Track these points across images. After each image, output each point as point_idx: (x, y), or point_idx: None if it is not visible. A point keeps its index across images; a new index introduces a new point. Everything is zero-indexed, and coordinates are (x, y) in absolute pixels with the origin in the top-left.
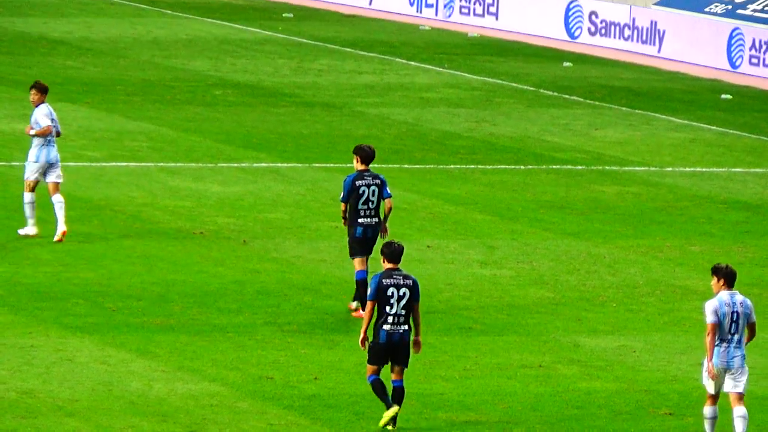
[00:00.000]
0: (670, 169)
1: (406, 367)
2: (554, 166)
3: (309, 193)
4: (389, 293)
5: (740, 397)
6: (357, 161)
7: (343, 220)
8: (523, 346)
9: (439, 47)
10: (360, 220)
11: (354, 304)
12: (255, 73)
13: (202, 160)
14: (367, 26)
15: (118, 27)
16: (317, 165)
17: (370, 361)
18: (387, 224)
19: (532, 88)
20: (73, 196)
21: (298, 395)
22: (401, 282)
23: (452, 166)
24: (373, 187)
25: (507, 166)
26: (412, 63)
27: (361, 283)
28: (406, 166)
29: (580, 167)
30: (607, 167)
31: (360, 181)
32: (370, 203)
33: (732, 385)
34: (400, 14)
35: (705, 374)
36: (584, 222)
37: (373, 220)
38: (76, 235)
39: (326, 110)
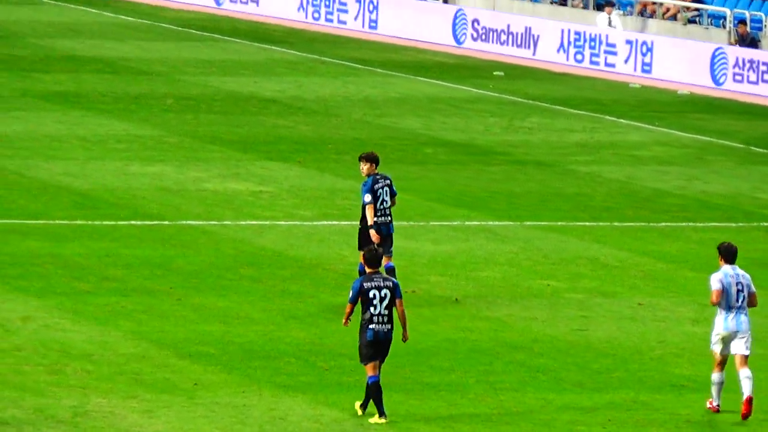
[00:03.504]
0: None
1: (383, 362)
2: (765, 224)
3: (521, 251)
4: (371, 295)
5: (746, 358)
6: (370, 166)
7: (361, 221)
8: (736, 404)
9: (649, 105)
10: (376, 219)
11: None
12: (466, 131)
13: (414, 219)
14: (578, 84)
15: (329, 86)
16: (529, 223)
17: (363, 361)
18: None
19: (742, 146)
20: (285, 255)
21: None
22: (382, 284)
23: (663, 224)
24: (385, 188)
25: (718, 224)
26: (623, 121)
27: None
28: (617, 224)
29: None
30: None
31: (377, 185)
32: (384, 203)
33: (739, 348)
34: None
35: (713, 341)
36: None
37: (388, 218)
38: (288, 294)
39: (538, 168)
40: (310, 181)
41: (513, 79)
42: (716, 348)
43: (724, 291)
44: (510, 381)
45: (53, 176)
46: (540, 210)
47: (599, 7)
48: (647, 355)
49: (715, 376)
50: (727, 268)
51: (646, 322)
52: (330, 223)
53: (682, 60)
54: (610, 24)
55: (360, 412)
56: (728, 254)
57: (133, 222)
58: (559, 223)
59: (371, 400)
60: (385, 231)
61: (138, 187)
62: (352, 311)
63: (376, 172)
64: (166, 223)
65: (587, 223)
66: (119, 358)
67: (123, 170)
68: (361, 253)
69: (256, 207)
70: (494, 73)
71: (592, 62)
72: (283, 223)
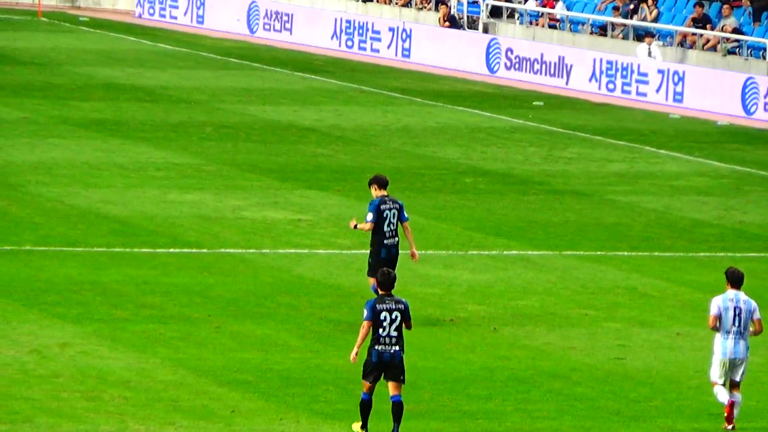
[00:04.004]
0: None
1: (403, 383)
2: None
3: (559, 280)
4: (382, 317)
5: (738, 384)
6: (375, 188)
7: (371, 244)
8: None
9: (689, 135)
10: (385, 242)
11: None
12: (505, 161)
13: (452, 248)
14: (617, 114)
15: (368, 115)
16: (567, 253)
17: (363, 377)
18: (415, 248)
19: None
20: (324, 284)
21: None
22: (393, 306)
23: (702, 254)
24: (393, 211)
25: (756, 254)
26: (662, 151)
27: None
28: (656, 253)
29: None
30: None
31: (384, 206)
32: (391, 225)
33: (734, 373)
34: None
35: (713, 367)
36: None
37: (395, 240)
38: (326, 322)
39: (576, 198)
40: (348, 210)
41: (550, 109)
42: (716, 378)
43: (720, 315)
44: (547, 409)
45: (92, 204)
46: (578, 239)
47: (639, 38)
48: (685, 384)
49: (718, 388)
50: (729, 293)
51: (684, 351)
52: (368, 251)
53: (713, 89)
54: (650, 54)
55: None
56: (733, 279)
57: (171, 250)
58: (598, 253)
59: (361, 414)
60: (394, 252)
61: (177, 215)
62: (368, 330)
63: (386, 194)
64: (205, 251)
65: (625, 253)
66: (157, 384)
67: (162, 198)
68: (371, 279)
69: (294, 235)
70: (534, 103)
71: (624, 91)
72: (321, 251)
